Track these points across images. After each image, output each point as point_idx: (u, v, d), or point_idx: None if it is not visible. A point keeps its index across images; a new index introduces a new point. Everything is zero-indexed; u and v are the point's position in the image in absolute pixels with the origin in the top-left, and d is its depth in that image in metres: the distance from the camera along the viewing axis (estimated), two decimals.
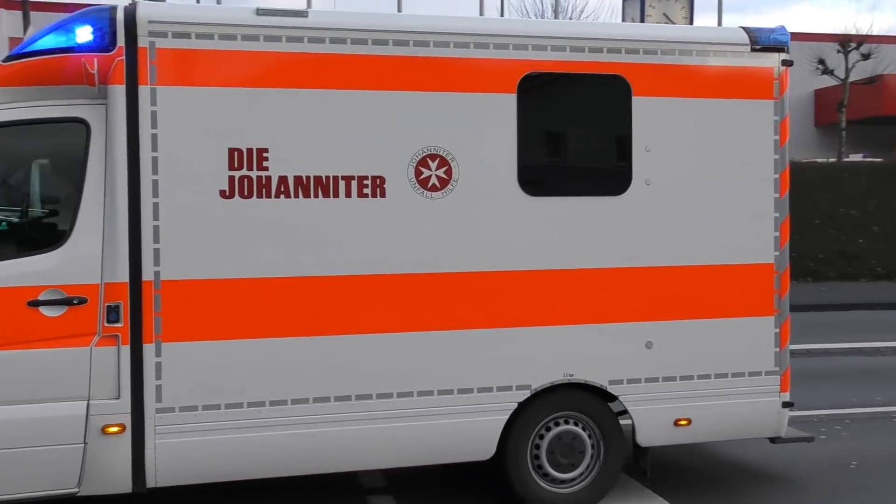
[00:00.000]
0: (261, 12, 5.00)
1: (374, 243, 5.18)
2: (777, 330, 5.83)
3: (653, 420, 5.64)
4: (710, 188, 5.71)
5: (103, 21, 4.82)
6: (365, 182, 5.13)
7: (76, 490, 4.86)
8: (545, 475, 5.55)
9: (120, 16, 4.82)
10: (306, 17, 5.08)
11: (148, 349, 4.86)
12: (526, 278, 5.39)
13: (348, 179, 5.11)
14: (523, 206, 5.37)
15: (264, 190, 4.99)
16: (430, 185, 5.21)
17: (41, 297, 4.76)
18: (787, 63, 5.80)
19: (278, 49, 5.01)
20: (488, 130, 5.31)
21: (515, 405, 5.39)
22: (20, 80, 4.87)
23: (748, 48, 5.73)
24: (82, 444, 4.81)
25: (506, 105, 5.30)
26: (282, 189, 5.01)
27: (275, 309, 5.04)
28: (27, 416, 4.75)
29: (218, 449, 4.99)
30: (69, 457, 4.80)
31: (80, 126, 4.87)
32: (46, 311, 4.78)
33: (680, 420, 5.68)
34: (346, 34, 5.10)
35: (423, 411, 5.25)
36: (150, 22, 4.82)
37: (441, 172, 5.23)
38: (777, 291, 5.82)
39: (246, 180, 4.96)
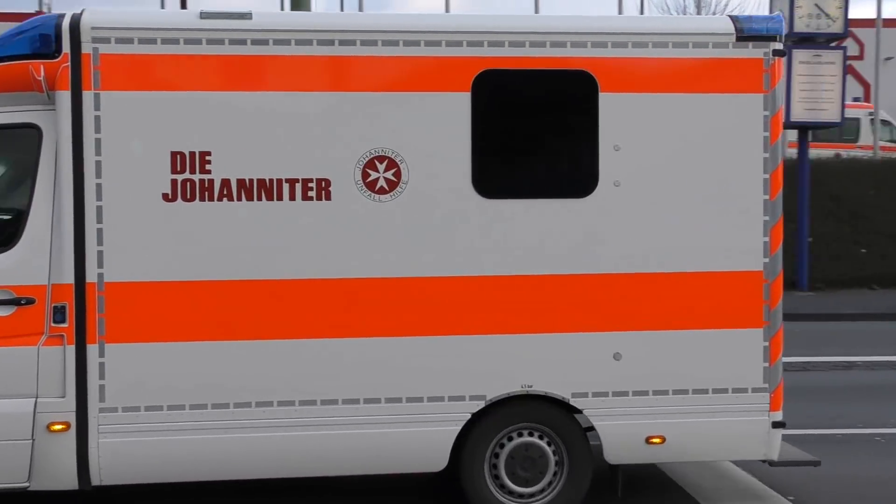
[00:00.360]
0: (204, 15, 4.98)
1: (318, 247, 5.08)
2: (766, 343, 5.33)
3: (622, 436, 5.29)
4: (689, 190, 5.29)
5: (49, 28, 4.91)
6: (309, 185, 5.03)
7: (26, 485, 4.99)
8: (503, 488, 5.31)
9: (65, 23, 4.90)
10: (250, 18, 5.01)
11: (91, 349, 4.94)
12: (480, 284, 5.16)
13: (292, 182, 5.02)
14: (478, 209, 5.13)
15: (207, 193, 4.97)
16: (377, 187, 5.06)
17: None
18: (779, 53, 5.29)
19: (221, 52, 4.98)
20: (441, 131, 5.10)
21: (469, 416, 5.17)
22: (16, 82, 5.00)
23: (733, 38, 5.26)
24: (30, 441, 4.93)
25: (459, 104, 5.08)
26: (224, 192, 4.98)
27: (218, 312, 5.03)
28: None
29: (161, 450, 5.01)
30: (18, 452, 4.93)
31: (33, 131, 4.99)
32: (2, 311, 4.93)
33: (652, 437, 5.29)
34: (291, 35, 5.01)
35: (371, 419, 5.12)
36: (93, 28, 4.88)
37: (390, 175, 5.07)
38: (766, 301, 5.33)
39: (188, 183, 4.96)
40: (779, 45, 5.30)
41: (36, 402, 4.94)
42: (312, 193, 5.03)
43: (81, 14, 4.94)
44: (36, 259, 4.94)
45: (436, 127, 5.10)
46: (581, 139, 5.25)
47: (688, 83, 5.29)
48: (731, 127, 5.29)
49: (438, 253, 5.13)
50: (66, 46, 4.89)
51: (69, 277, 4.92)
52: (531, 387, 5.20)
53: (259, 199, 5.01)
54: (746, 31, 5.26)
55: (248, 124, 5.01)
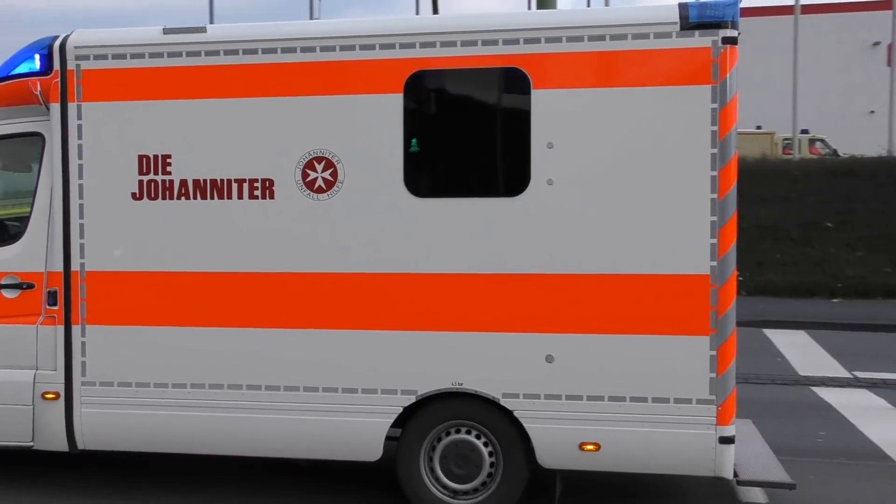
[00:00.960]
0: (166, 31, 5.48)
1: (262, 243, 5.42)
2: (713, 352, 4.97)
3: (553, 440, 5.17)
4: (629, 189, 5.05)
5: (45, 49, 5.63)
6: (255, 184, 5.39)
7: (31, 444, 5.78)
8: (439, 482, 5.37)
9: (57, 44, 5.59)
10: (205, 32, 5.45)
11: (76, 329, 5.62)
12: (411, 281, 5.26)
13: (240, 182, 5.41)
14: (410, 208, 5.23)
15: (168, 192, 5.48)
16: (316, 186, 5.32)
17: (2, 282, 5.75)
18: (730, 41, 4.90)
19: (179, 64, 5.45)
20: (375, 131, 5.24)
21: (400, 409, 5.29)
22: (9, 98, 5.83)
23: (676, 27, 4.95)
24: (31, 407, 5.72)
25: (392, 105, 5.20)
26: (182, 191, 5.47)
27: (175, 300, 5.53)
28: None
29: (129, 422, 5.60)
30: (23, 416, 5.74)
31: (38, 139, 5.76)
32: (5, 293, 5.75)
33: (586, 444, 5.13)
34: (239, 45, 5.38)
35: (309, 407, 5.39)
36: (76, 47, 5.54)
37: (327, 174, 5.30)
38: (714, 308, 4.96)
39: (153, 184, 5.50)
40: (730, 33, 4.90)
41: (35, 374, 5.70)
42: (258, 193, 5.38)
43: (69, 35, 5.61)
44: (36, 250, 5.71)
45: (370, 128, 5.25)
46: (513, 137, 5.17)
47: (627, 77, 5.04)
48: (674, 122, 4.98)
49: (371, 250, 5.29)
50: (56, 64, 5.59)
51: (59, 266, 5.63)
52: (461, 385, 5.22)
53: (212, 197, 5.44)
54: (692, 19, 4.93)
55: (202, 129, 5.45)
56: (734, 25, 4.93)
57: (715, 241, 4.95)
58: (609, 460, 5.17)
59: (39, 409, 5.70)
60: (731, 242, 4.96)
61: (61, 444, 5.72)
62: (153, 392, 5.56)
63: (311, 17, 39.16)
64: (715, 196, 4.94)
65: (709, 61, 4.91)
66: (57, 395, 5.67)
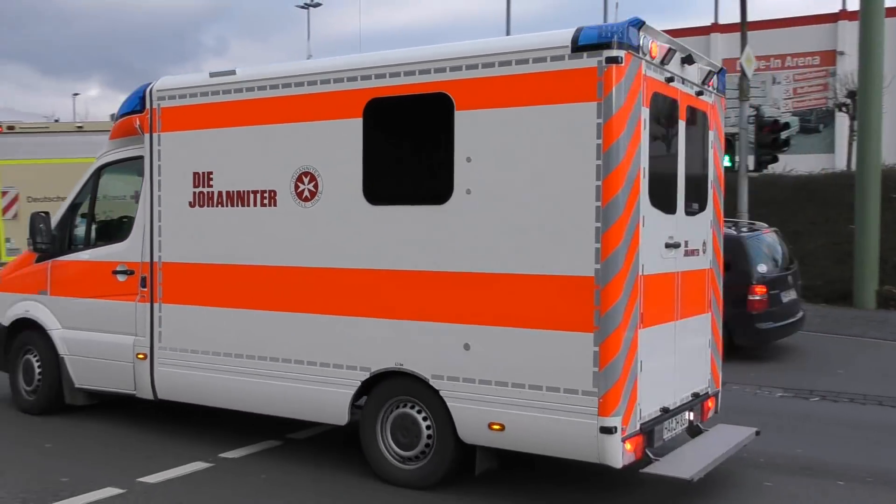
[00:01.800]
0: (212, 74, 7.02)
1: (267, 242, 6.70)
2: (596, 348, 5.34)
3: (469, 419, 5.83)
4: (528, 196, 5.59)
5: (142, 93, 7.44)
6: (264, 195, 6.70)
7: (134, 392, 7.62)
8: (389, 450, 6.25)
9: (148, 89, 7.36)
10: (234, 74, 6.91)
11: (156, 307, 7.34)
12: (366, 275, 6.22)
13: (255, 193, 6.75)
14: (367, 214, 6.21)
15: (210, 201, 6.99)
16: (304, 196, 6.49)
17: (117, 269, 7.67)
18: (613, 60, 5.26)
19: (217, 100, 6.93)
20: (343, 150, 6.29)
21: (359, 383, 6.25)
22: (117, 134, 7.80)
23: (568, 50, 5.41)
24: (132, 363, 7.56)
25: (355, 128, 6.22)
26: (220, 200, 6.95)
27: (210, 286, 7.02)
28: (110, 340, 7.68)
29: (184, 379, 7.18)
30: (126, 369, 7.60)
31: (141, 160, 7.61)
32: (119, 277, 7.65)
33: (493, 424, 5.73)
34: (254, 83, 6.74)
35: (298, 376, 6.55)
36: (157, 91, 7.28)
37: (311, 186, 6.46)
38: (597, 307, 5.34)
39: (202, 194, 7.05)
40: (614, 53, 5.26)
41: (134, 339, 7.54)
42: (266, 201, 6.69)
43: (156, 82, 7.40)
44: (136, 245, 7.52)
45: (340, 147, 6.31)
46: (441, 153, 5.91)
47: (528, 97, 5.55)
48: (565, 136, 5.43)
49: (340, 249, 6.33)
50: (147, 104, 7.38)
51: (147, 258, 7.41)
52: (402, 365, 6.08)
53: (238, 205, 6.85)
54: (580, 42, 5.37)
55: (230, 151, 6.87)
56: (620, 45, 5.28)
57: (598, 245, 5.33)
58: (512, 440, 5.73)
59: (136, 366, 7.50)
60: (614, 247, 5.31)
61: (149, 394, 7.48)
62: (198, 357, 7.09)
63: (605, 21, 39.88)
64: (599, 204, 5.33)
65: (595, 80, 5.32)
66: (145, 356, 7.44)
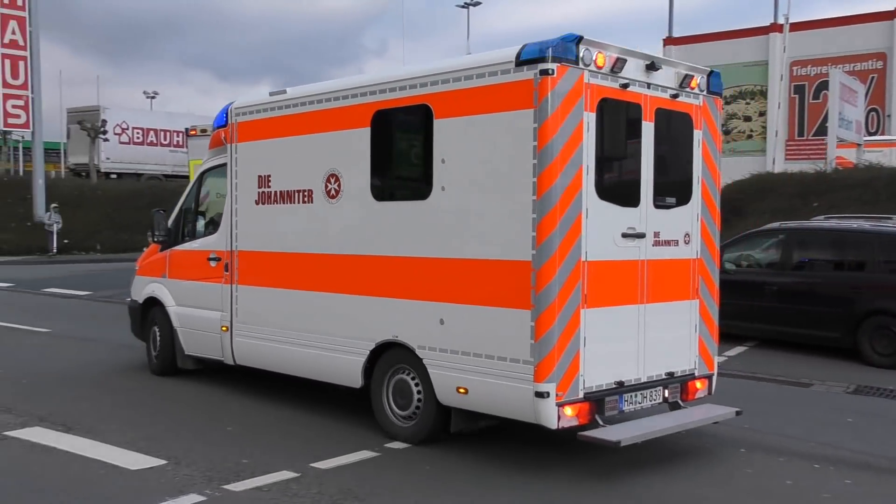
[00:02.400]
0: (271, 94, 8.39)
1: (304, 233, 7.98)
2: (532, 323, 6.11)
3: (443, 383, 6.76)
4: (485, 192, 6.45)
5: (226, 110, 8.93)
6: (305, 193, 7.96)
7: (222, 359, 9.20)
8: (391, 410, 7.28)
9: (230, 106, 8.87)
10: (285, 93, 8.21)
11: (234, 287, 8.82)
12: (372, 261, 7.31)
13: (299, 192, 8.02)
14: (372, 209, 7.30)
15: (269, 199, 8.35)
16: (331, 194, 7.68)
17: (210, 256, 9.26)
18: (546, 72, 5.99)
19: (273, 115, 8.29)
20: (357, 155, 7.40)
21: (368, 353, 7.33)
22: (212, 145, 9.38)
23: (513, 64, 6.20)
24: (219, 335, 9.13)
25: (365, 136, 7.33)
26: (275, 199, 8.29)
27: (265, 270, 8.41)
28: (206, 315, 9.24)
29: (251, 348, 8.62)
30: (216, 339, 9.14)
31: (226, 167, 9.21)
32: (211, 263, 9.24)
33: (459, 388, 6.63)
34: (297, 100, 8.01)
35: (326, 345, 7.77)
36: (235, 108, 8.76)
37: (336, 186, 7.63)
38: (533, 287, 6.10)
39: (264, 194, 8.42)
40: (547, 66, 6.00)
41: (220, 314, 9.11)
42: (306, 199, 7.95)
43: (235, 101, 8.95)
44: (223, 236, 9.06)
45: (355, 152, 7.42)
46: (424, 155, 6.87)
47: (484, 106, 6.40)
48: (511, 139, 6.23)
49: (354, 239, 7.46)
50: (229, 119, 8.89)
51: (229, 247, 8.96)
52: (397, 337, 7.10)
53: (287, 202, 8.15)
54: (522, 57, 6.15)
55: (282, 157, 8.19)
56: (554, 59, 6.03)
57: (534, 234, 6.10)
58: (474, 402, 6.60)
59: (221, 337, 9.02)
60: (547, 234, 6.06)
61: (231, 360, 8.97)
62: (259, 329, 8.50)
63: (776, 16, 38.65)
64: (534, 197, 6.10)
65: (531, 89, 6.09)
66: (227, 328, 8.95)
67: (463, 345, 6.62)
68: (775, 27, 39.99)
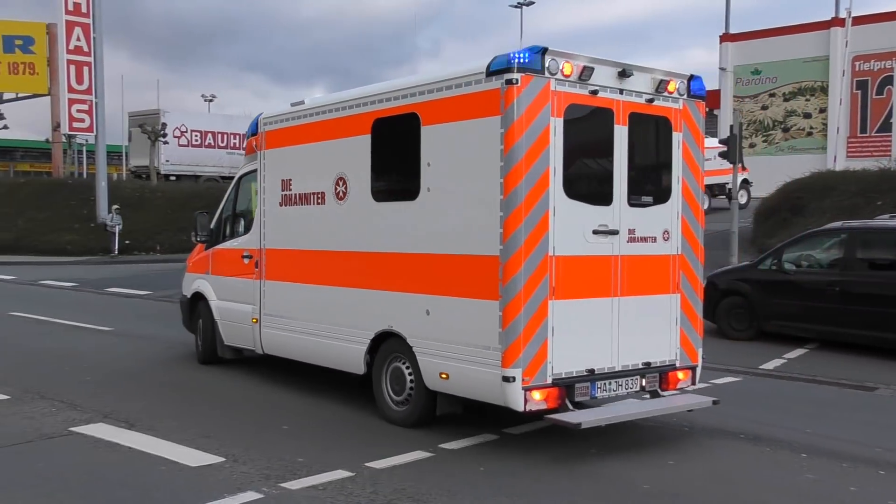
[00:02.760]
0: (291, 105, 9.07)
1: (319, 232, 8.59)
2: (500, 313, 6.58)
3: (429, 370, 7.28)
4: (463, 193, 6.94)
5: (257, 120, 9.65)
6: (318, 195, 8.57)
7: (254, 348, 9.78)
8: (389, 396, 7.80)
9: (260, 117, 9.57)
10: (303, 104, 8.87)
11: (262, 283, 9.50)
12: (372, 257, 7.91)
13: (314, 194, 8.65)
14: (372, 209, 7.89)
15: (290, 201, 9.02)
16: (339, 196, 8.28)
17: (244, 254, 9.90)
18: (511, 82, 6.44)
19: (292, 124, 8.98)
20: (360, 160, 7.99)
21: (368, 342, 7.88)
22: (247, 152, 10.16)
23: (484, 75, 6.68)
24: (251, 326, 9.72)
25: (366, 142, 7.91)
26: (296, 201, 8.92)
27: (286, 265, 9.10)
28: (240, 308, 9.92)
29: (276, 338, 9.28)
30: (248, 330, 9.79)
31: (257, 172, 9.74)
32: (245, 260, 9.89)
33: (442, 373, 7.13)
34: (311, 110, 8.68)
35: (333, 335, 8.37)
36: (263, 119, 9.49)
37: (343, 188, 8.23)
38: (501, 280, 6.56)
39: (286, 196, 9.09)
40: (512, 76, 6.45)
41: (252, 307, 9.70)
42: (319, 200, 8.58)
43: (264, 112, 9.53)
44: (254, 236, 9.71)
45: (359, 157, 7.99)
46: (414, 159, 7.37)
47: (463, 113, 6.89)
48: (483, 143, 6.70)
49: (359, 237, 8.02)
50: (258, 129, 9.57)
51: (259, 245, 9.58)
52: (392, 327, 7.63)
53: (305, 204, 8.79)
54: (492, 68, 6.62)
55: (299, 162, 8.87)
56: (520, 69, 6.48)
57: (501, 230, 6.55)
58: (454, 387, 7.10)
59: (252, 328, 9.70)
60: (512, 231, 6.52)
61: (260, 349, 9.67)
62: (281, 320, 9.18)
63: (837, 10, 37.94)
64: (501, 196, 6.54)
65: (498, 98, 6.55)
66: (257, 320, 9.61)
67: (445, 334, 7.12)
68: (836, 21, 39.00)
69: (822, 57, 40.19)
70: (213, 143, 42.39)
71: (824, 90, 40.34)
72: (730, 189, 35.51)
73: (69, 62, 31.87)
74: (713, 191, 29.91)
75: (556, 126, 6.68)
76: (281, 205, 9.19)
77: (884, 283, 11.94)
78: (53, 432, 7.53)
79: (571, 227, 6.81)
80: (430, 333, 7.26)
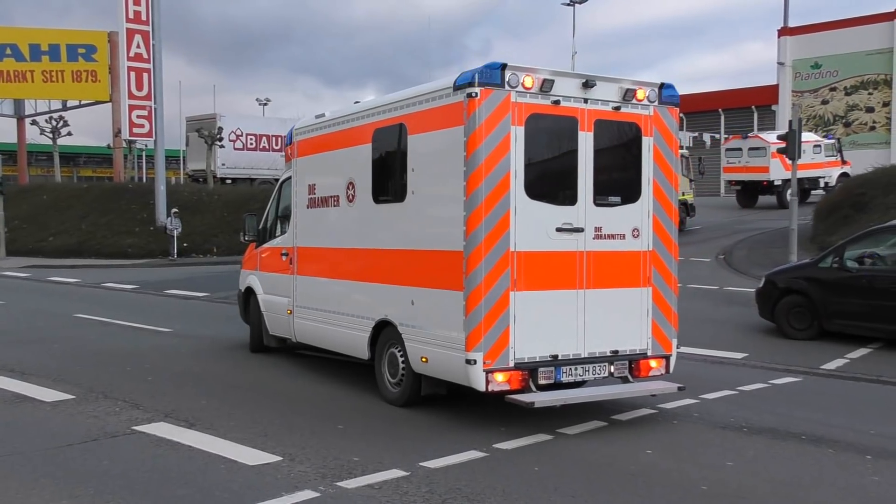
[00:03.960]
0: (317, 116, 10.93)
1: (334, 231, 10.21)
2: (464, 302, 7.79)
3: (414, 354, 8.63)
4: (437, 195, 8.31)
5: (291, 130, 11.60)
6: (334, 198, 10.26)
7: (290, 337, 11.51)
8: (387, 378, 9.21)
9: (293, 128, 11.48)
10: (324, 116, 10.62)
11: (294, 277, 11.32)
12: (371, 253, 9.41)
13: (331, 197, 10.29)
14: (373, 210, 9.44)
15: (314, 203, 10.77)
16: (350, 198, 9.92)
17: (282, 252, 11.64)
18: (471, 95, 7.64)
19: (315, 135, 10.79)
20: (364, 165, 9.54)
21: (370, 330, 9.41)
22: (286, 160, 11.98)
23: (451, 89, 7.93)
24: (287, 317, 11.57)
25: (368, 150, 9.52)
26: (319, 203, 10.72)
27: (311, 262, 10.74)
28: (280, 300, 11.73)
29: (303, 327, 10.99)
30: (285, 321, 11.62)
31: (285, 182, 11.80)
32: (283, 258, 11.61)
33: (423, 357, 8.47)
34: (328, 122, 10.33)
35: (343, 324, 9.86)
36: (295, 129, 11.53)
37: (352, 192, 9.88)
38: (464, 272, 7.77)
39: (312, 199, 10.88)
40: (473, 90, 7.66)
41: (288, 300, 11.54)
42: (335, 202, 10.22)
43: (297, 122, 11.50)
44: (290, 236, 11.56)
45: (363, 163, 9.57)
46: (402, 165, 8.80)
47: (437, 123, 8.20)
48: (451, 150, 7.91)
49: (363, 234, 9.58)
50: (293, 138, 11.42)
51: (292, 244, 11.33)
52: (387, 316, 9.17)
53: (325, 206, 10.47)
54: (457, 83, 7.87)
55: (322, 168, 10.62)
56: (480, 84, 7.64)
57: (464, 227, 7.82)
58: (432, 369, 8.41)
59: (288, 319, 11.47)
60: (473, 228, 7.70)
61: (294, 338, 11.39)
62: (306, 311, 10.83)
63: None
64: (464, 197, 7.81)
65: (462, 109, 7.84)
66: (291, 312, 11.45)
67: (425, 322, 8.47)
68: None
69: (886, 49, 39.37)
70: (267, 147, 43.32)
71: (888, 83, 39.50)
72: (826, 183, 34.98)
73: (129, 69, 33.35)
74: (803, 184, 29.19)
75: (517, 134, 7.79)
76: (308, 207, 10.91)
77: None
78: (117, 431, 8.08)
79: (534, 225, 7.91)
80: (414, 321, 8.65)
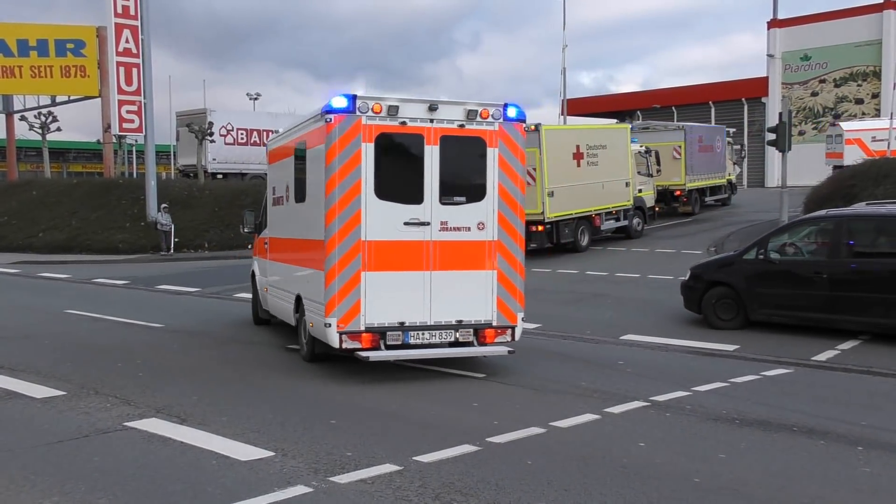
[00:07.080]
0: (279, 132, 11.61)
1: (280, 224, 12.54)
2: (324, 278, 9.62)
3: (308, 320, 10.41)
4: (317, 196, 9.90)
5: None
6: (283, 198, 12.03)
7: (268, 308, 12.80)
8: (302, 340, 11.13)
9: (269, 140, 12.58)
10: (279, 132, 11.52)
11: (267, 261, 12.94)
12: (292, 241, 11.46)
13: (281, 197, 12.25)
14: (295, 208, 11.15)
15: (275, 202, 12.80)
16: (287, 199, 12.10)
17: (265, 241, 13.15)
18: (329, 120, 9.51)
19: (273, 147, 13.07)
20: (291, 173, 11.35)
21: (294, 302, 11.53)
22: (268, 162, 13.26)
23: (321, 115, 9.75)
24: (264, 293, 12.88)
25: (292, 161, 11.59)
26: (276, 202, 12.88)
27: (273, 248, 12.82)
28: (263, 280, 13.14)
29: (270, 302, 12.94)
30: (265, 296, 13.00)
31: None
32: (266, 245, 13.11)
33: (310, 323, 10.38)
34: (277, 137, 12.00)
35: (283, 297, 12.04)
36: (268, 140, 12.68)
37: (289, 194, 12.07)
38: (324, 256, 9.53)
39: (273, 199, 13.06)
40: (330, 116, 9.51)
41: (266, 279, 12.96)
42: (283, 202, 11.95)
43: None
44: (266, 228, 13.02)
45: (291, 172, 11.52)
46: (302, 174, 10.87)
47: (317, 141, 9.85)
48: (318, 162, 9.80)
49: (289, 226, 11.68)
50: (268, 147, 12.46)
51: (267, 234, 12.93)
52: (299, 292, 11.03)
53: (278, 204, 12.36)
54: (323, 109, 9.67)
55: (276, 174, 12.76)
56: (336, 112, 9.46)
57: (324, 221, 9.58)
58: (315, 332, 10.21)
59: (264, 294, 13.34)
60: (330, 222, 9.53)
61: (268, 308, 12.91)
62: (272, 290, 12.49)
63: None
64: (325, 198, 9.62)
65: (326, 131, 9.66)
66: (267, 289, 13.19)
67: (311, 295, 10.43)
68: (889, 4, 38.29)
69: (875, 41, 39.51)
70: (258, 141, 43.29)
71: (877, 75, 39.61)
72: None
73: (118, 64, 33.19)
74: None
75: (367, 149, 9.66)
76: (273, 205, 13.19)
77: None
78: (108, 427, 8.04)
79: (384, 219, 9.70)
80: (308, 295, 10.64)
